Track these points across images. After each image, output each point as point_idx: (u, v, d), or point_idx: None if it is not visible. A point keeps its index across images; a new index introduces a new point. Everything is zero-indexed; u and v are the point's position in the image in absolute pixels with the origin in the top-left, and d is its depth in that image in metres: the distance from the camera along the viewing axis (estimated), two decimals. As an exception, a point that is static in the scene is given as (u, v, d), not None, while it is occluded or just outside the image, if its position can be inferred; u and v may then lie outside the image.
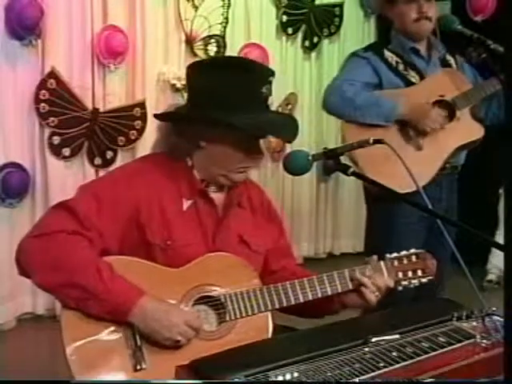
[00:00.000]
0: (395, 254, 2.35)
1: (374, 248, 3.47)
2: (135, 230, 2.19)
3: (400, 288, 2.34)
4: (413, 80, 3.40)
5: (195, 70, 2.33)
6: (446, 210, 3.41)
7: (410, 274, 2.34)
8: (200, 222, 2.27)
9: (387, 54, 3.44)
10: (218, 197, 2.34)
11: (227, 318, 2.16)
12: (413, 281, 2.34)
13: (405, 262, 2.35)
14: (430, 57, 3.49)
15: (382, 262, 2.34)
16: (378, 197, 3.30)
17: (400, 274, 2.34)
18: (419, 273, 2.34)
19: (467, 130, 3.39)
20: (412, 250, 2.37)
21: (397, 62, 3.41)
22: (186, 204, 2.27)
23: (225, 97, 2.16)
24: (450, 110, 3.36)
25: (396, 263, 2.34)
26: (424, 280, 2.35)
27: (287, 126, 2.31)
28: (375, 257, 2.35)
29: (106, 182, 2.31)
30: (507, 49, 1.60)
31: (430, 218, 3.34)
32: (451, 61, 3.56)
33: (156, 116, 2.38)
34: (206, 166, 2.27)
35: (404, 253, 2.36)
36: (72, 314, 2.06)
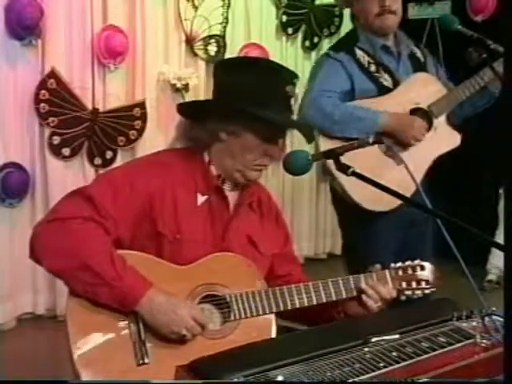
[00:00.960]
0: (400, 264, 2.36)
1: (350, 257, 3.48)
2: (147, 220, 2.20)
3: (403, 298, 2.35)
4: (385, 84, 3.31)
5: (223, 68, 2.38)
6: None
7: (413, 284, 2.35)
8: (212, 218, 2.29)
9: (359, 53, 3.33)
10: (231, 195, 2.35)
11: (231, 318, 2.16)
12: (416, 291, 2.35)
13: (409, 272, 2.36)
14: (400, 54, 3.41)
15: (386, 271, 2.34)
16: (352, 207, 3.24)
17: (404, 284, 2.35)
18: (423, 284, 2.35)
19: (445, 138, 3.34)
20: (417, 261, 2.37)
21: (369, 63, 3.32)
22: (201, 199, 2.29)
23: (251, 93, 2.19)
24: (426, 118, 3.30)
25: (400, 273, 2.35)
26: (427, 291, 2.36)
27: (306, 128, 2.39)
28: (378, 266, 2.36)
29: (123, 172, 2.32)
30: (507, 48, 1.60)
31: (405, 229, 3.34)
32: (418, 53, 3.48)
33: (180, 105, 2.39)
34: (224, 159, 2.29)
35: (409, 263, 2.36)
36: (78, 304, 2.08)
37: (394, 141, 3.23)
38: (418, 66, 3.44)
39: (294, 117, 2.53)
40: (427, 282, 2.35)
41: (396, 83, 3.33)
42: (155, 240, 2.21)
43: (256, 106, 2.18)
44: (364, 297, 2.28)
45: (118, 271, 2.05)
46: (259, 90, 2.20)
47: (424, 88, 3.35)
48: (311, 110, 3.26)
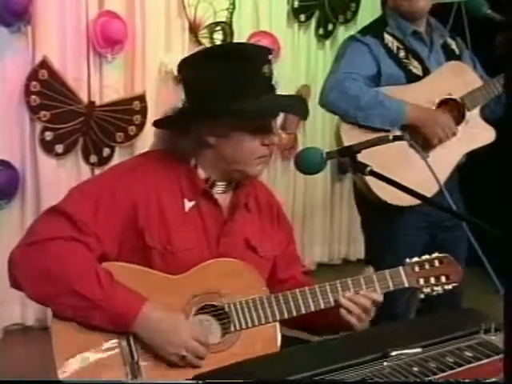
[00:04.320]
0: (416, 259, 2.33)
1: (373, 263, 3.49)
2: (133, 232, 2.19)
3: (422, 296, 2.33)
4: (414, 71, 3.33)
5: (188, 65, 2.33)
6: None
7: (432, 280, 2.32)
8: (203, 224, 2.27)
9: (387, 38, 3.36)
10: (223, 198, 2.33)
11: (232, 329, 2.16)
12: (435, 288, 2.32)
13: (426, 267, 2.33)
14: (433, 43, 3.43)
15: (400, 269, 2.32)
16: (375, 205, 3.26)
17: (421, 281, 2.32)
18: (443, 279, 2.32)
19: (477, 134, 3.31)
20: (435, 255, 2.35)
21: (397, 48, 3.34)
22: (188, 205, 2.27)
23: (225, 85, 2.16)
24: (458, 111, 3.30)
25: (417, 269, 2.33)
26: (448, 287, 2.33)
27: (297, 104, 2.34)
28: (370, 269, 2.33)
29: (101, 182, 2.31)
30: (507, 47, 1.60)
31: (431, 231, 3.34)
32: (453, 45, 3.50)
33: (156, 123, 2.35)
34: (217, 164, 2.27)
35: (426, 257, 2.34)
36: (64, 326, 2.07)
37: (417, 136, 3.22)
38: (452, 58, 3.44)
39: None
40: (447, 276, 2.33)
41: (426, 71, 3.34)
42: (144, 253, 2.20)
43: (233, 98, 2.15)
44: (341, 310, 2.25)
45: (106, 290, 2.04)
46: (233, 80, 2.16)
47: (457, 77, 3.35)
48: (334, 93, 3.29)
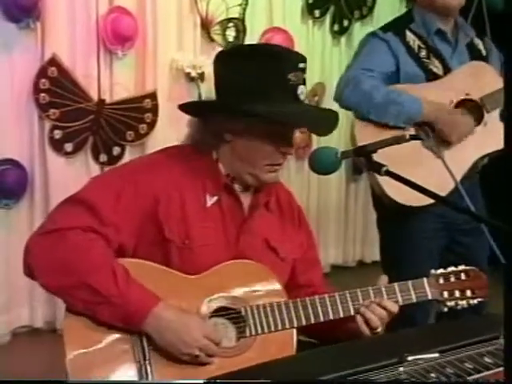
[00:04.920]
0: (441, 270, 2.31)
1: (387, 265, 3.49)
2: (153, 225, 2.20)
3: (445, 310, 2.30)
4: (435, 70, 3.31)
5: (220, 59, 2.35)
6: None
7: (457, 293, 2.30)
8: (223, 221, 2.29)
9: (409, 35, 3.35)
10: (244, 195, 2.35)
11: (247, 334, 2.15)
12: (460, 302, 2.29)
13: (452, 279, 2.31)
14: (457, 42, 3.41)
15: (424, 280, 2.29)
16: (391, 208, 3.25)
17: (445, 294, 2.30)
18: (468, 293, 2.30)
19: (495, 136, 3.21)
20: (461, 267, 2.32)
21: (419, 47, 3.33)
22: (210, 200, 2.28)
23: (248, 85, 2.17)
24: (476, 112, 3.27)
25: (441, 281, 2.30)
26: (474, 302, 2.31)
27: (321, 119, 2.31)
28: (385, 277, 2.31)
29: (123, 173, 2.31)
30: (507, 45, 1.59)
31: (448, 234, 3.33)
32: (480, 45, 3.49)
33: (181, 106, 2.37)
34: (232, 161, 2.28)
35: (452, 269, 2.31)
36: (76, 321, 2.08)
37: (434, 134, 3.21)
38: (478, 58, 3.42)
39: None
40: (473, 291, 2.31)
41: (447, 71, 3.32)
42: (162, 246, 2.21)
43: (255, 100, 2.16)
44: (358, 319, 2.23)
45: (120, 287, 2.05)
46: (257, 82, 2.17)
47: (478, 78, 3.32)
48: (348, 89, 3.29)
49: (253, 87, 2.16)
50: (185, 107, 2.36)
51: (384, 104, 3.20)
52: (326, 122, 2.31)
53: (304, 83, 2.22)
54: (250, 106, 2.15)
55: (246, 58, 2.25)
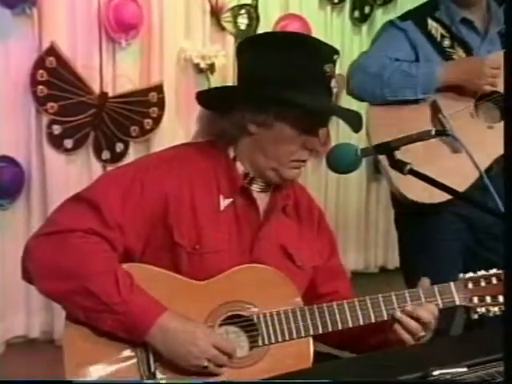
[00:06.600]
0: (471, 274, 2.28)
1: (406, 267, 3.49)
2: (162, 228, 2.21)
3: (475, 316, 2.28)
4: None
5: (249, 46, 2.36)
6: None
7: (488, 299, 2.27)
8: (237, 225, 2.28)
9: (431, 24, 3.35)
10: (261, 198, 2.34)
11: (260, 343, 2.15)
12: (492, 308, 2.26)
13: (482, 284, 2.27)
14: (487, 31, 3.39)
15: (451, 285, 2.26)
16: (410, 209, 3.27)
17: (475, 300, 2.27)
18: (501, 299, 2.27)
19: None
20: (492, 271, 2.28)
21: (442, 36, 3.33)
22: (224, 203, 2.28)
23: (283, 75, 2.18)
24: (499, 105, 3.26)
25: (470, 285, 2.27)
26: None
27: (352, 116, 2.33)
28: (426, 280, 2.30)
29: (132, 172, 2.30)
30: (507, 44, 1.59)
31: (473, 237, 3.32)
32: None
33: (200, 93, 2.37)
34: (254, 156, 2.28)
35: (482, 273, 2.28)
36: (77, 331, 2.09)
37: (461, 95, 3.24)
38: None
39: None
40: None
41: None
42: (171, 251, 2.21)
43: (289, 90, 2.17)
44: (396, 326, 2.22)
45: (123, 294, 2.05)
46: (291, 71, 2.18)
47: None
48: (357, 75, 3.34)
49: (286, 76, 2.17)
50: (206, 94, 2.36)
51: (395, 79, 3.23)
52: (356, 116, 2.33)
53: (335, 76, 2.25)
54: (286, 95, 2.16)
55: (278, 45, 2.25)
